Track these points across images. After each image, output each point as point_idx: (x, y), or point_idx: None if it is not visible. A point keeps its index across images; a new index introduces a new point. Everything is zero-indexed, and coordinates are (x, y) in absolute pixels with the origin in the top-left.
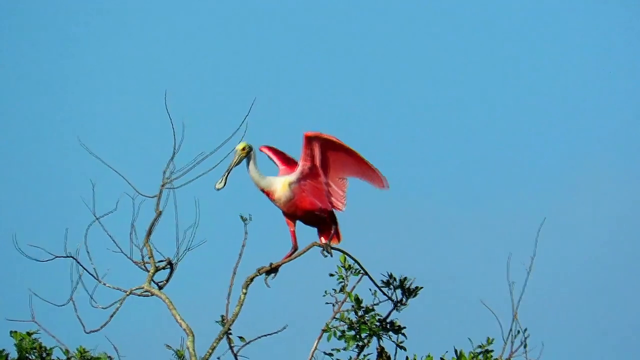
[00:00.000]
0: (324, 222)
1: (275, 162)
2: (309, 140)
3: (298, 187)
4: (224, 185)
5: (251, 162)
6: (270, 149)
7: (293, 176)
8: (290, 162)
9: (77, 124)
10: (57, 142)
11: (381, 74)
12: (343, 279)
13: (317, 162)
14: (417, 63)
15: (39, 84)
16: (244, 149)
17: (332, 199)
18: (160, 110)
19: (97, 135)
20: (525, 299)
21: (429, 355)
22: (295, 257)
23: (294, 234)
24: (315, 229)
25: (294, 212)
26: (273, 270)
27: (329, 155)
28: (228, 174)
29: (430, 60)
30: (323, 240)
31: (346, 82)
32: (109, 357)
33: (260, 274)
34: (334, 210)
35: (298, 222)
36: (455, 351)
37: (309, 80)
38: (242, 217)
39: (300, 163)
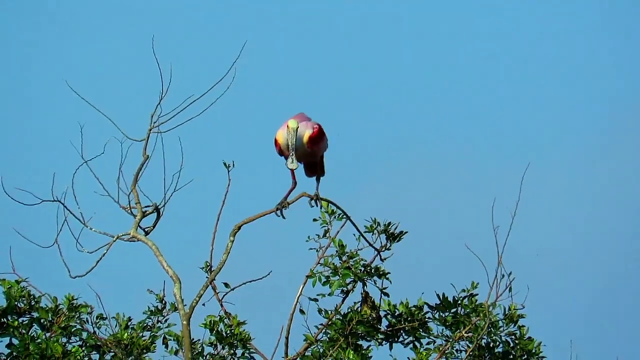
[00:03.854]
0: (317, 163)
1: None
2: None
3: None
4: (297, 164)
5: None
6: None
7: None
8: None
9: (65, 67)
10: (45, 85)
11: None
12: (326, 224)
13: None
14: (418, 15)
15: (26, 25)
16: (298, 127)
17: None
18: (148, 53)
19: (85, 78)
20: (510, 244)
21: (402, 303)
22: (285, 207)
23: (293, 173)
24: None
25: (310, 153)
26: (285, 205)
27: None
28: (294, 152)
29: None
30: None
31: (340, 30)
32: (90, 306)
33: (278, 210)
34: None
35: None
36: (438, 296)
37: (300, 25)
38: (225, 163)
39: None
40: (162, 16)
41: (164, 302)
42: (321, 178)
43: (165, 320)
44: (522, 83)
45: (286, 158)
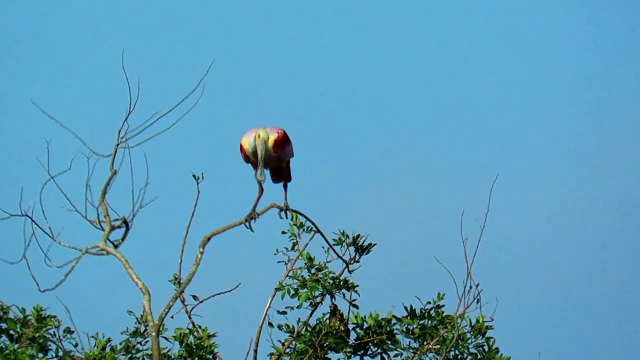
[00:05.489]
0: (283, 169)
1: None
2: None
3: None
4: (265, 176)
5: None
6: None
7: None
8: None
9: (30, 82)
10: (11, 101)
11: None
12: (295, 236)
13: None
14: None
15: None
16: (267, 139)
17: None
18: (116, 68)
19: (51, 93)
20: (479, 256)
21: (372, 315)
22: (255, 218)
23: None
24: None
25: (275, 158)
26: (255, 216)
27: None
28: (263, 164)
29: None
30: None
31: (306, 44)
32: (57, 319)
33: (247, 222)
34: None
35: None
36: (406, 308)
37: (267, 41)
38: (194, 175)
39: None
40: (130, 31)
41: (145, 324)
42: (289, 188)
43: (146, 342)
44: (492, 96)
45: (253, 166)
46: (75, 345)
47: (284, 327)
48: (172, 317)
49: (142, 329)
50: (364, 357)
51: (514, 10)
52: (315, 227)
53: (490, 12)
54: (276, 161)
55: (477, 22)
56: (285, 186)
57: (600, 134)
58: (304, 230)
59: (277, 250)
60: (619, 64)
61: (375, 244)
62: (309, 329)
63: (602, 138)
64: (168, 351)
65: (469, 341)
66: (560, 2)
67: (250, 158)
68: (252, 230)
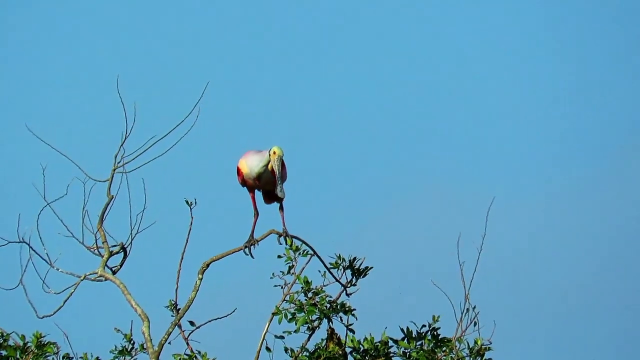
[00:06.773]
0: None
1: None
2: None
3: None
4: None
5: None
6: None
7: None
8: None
9: (26, 109)
10: (6, 128)
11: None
12: (291, 260)
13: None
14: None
15: None
16: (283, 155)
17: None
18: (112, 94)
19: (47, 119)
20: (476, 279)
21: (366, 338)
22: (254, 244)
23: (254, 199)
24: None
25: (268, 182)
26: (254, 242)
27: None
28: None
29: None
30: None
31: (298, 67)
32: (57, 346)
33: (246, 248)
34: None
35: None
36: (402, 330)
37: (264, 63)
38: (187, 201)
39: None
40: (126, 56)
41: (132, 341)
42: (286, 212)
43: None
44: (489, 121)
45: (249, 189)
46: None
47: (288, 351)
48: (169, 343)
49: (129, 346)
50: None
51: (518, 38)
52: (314, 251)
53: (497, 40)
54: (273, 183)
55: (476, 47)
56: (281, 209)
57: (600, 159)
58: (300, 254)
59: (272, 274)
60: (621, 91)
61: (371, 267)
62: (307, 353)
63: (602, 163)
64: None
65: None
66: (563, 28)
67: (247, 181)
68: (252, 256)
